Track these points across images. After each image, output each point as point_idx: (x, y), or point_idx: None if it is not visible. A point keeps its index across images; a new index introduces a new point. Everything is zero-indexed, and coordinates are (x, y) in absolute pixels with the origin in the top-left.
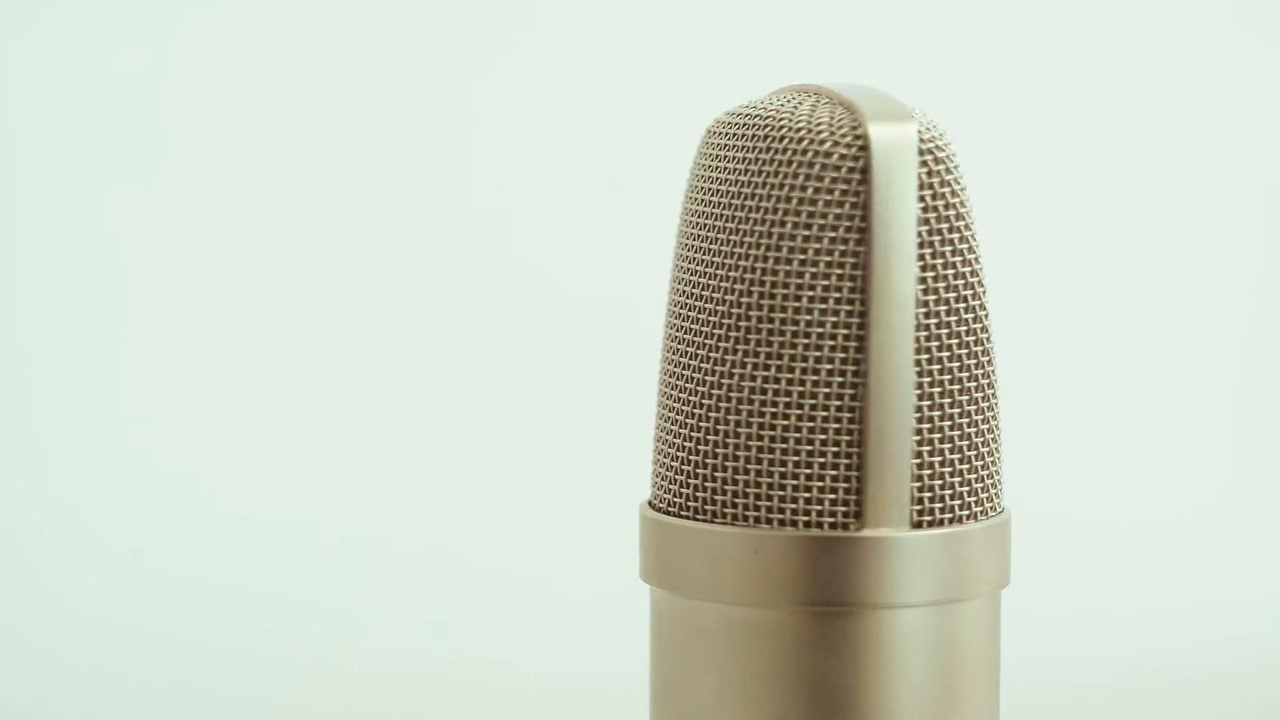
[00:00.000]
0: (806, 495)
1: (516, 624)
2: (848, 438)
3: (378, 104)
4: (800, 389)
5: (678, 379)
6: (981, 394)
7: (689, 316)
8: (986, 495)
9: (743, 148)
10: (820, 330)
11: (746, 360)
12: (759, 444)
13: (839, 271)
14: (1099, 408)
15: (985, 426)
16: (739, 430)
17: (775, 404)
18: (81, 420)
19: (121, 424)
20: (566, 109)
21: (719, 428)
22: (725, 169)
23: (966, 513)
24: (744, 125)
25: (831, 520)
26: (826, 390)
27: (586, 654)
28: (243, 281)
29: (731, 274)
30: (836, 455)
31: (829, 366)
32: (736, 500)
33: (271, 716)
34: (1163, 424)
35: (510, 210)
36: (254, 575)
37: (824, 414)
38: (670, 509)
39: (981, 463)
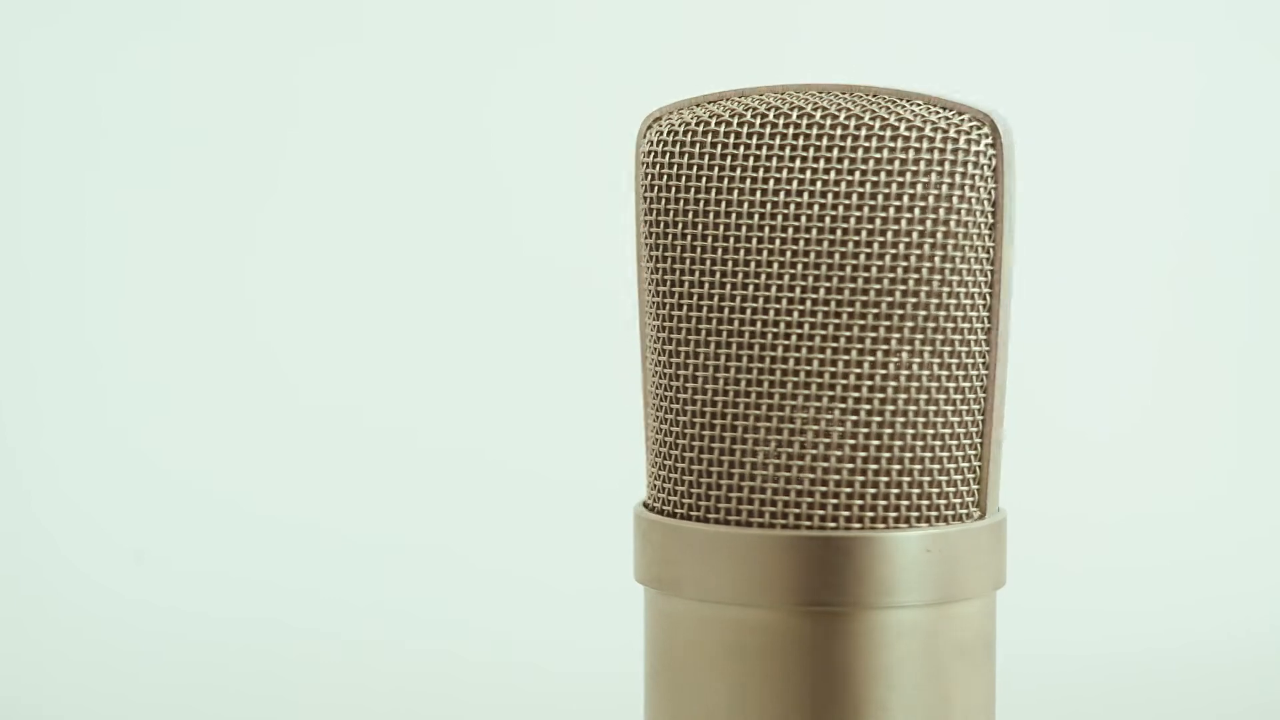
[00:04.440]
0: (965, 488)
1: (516, 623)
2: (975, 429)
3: (381, 105)
4: (944, 384)
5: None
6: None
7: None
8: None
9: (840, 148)
10: (965, 324)
11: (892, 354)
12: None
13: (977, 266)
14: (1095, 405)
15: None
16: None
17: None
18: (88, 419)
19: (127, 422)
20: (568, 109)
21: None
22: (797, 168)
23: (965, 512)
24: (813, 124)
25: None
26: (967, 383)
27: (584, 653)
28: (249, 280)
29: (855, 273)
30: (970, 445)
31: (970, 360)
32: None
33: (275, 713)
34: (1160, 421)
35: (511, 210)
36: (256, 573)
37: (966, 406)
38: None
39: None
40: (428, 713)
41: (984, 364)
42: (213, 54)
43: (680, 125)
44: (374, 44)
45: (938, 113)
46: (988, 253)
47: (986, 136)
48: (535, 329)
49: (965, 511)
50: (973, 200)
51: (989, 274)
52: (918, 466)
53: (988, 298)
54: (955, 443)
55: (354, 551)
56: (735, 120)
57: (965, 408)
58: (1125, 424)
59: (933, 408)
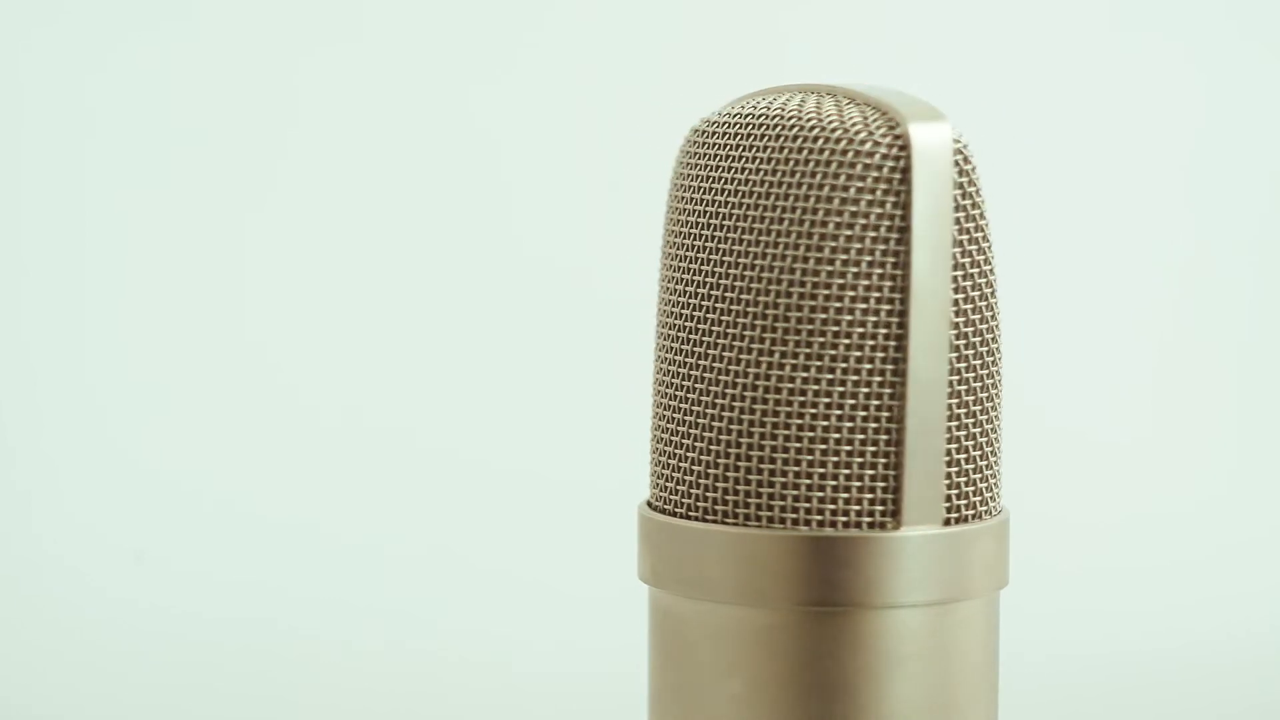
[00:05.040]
0: (870, 495)
1: (516, 623)
2: (886, 436)
3: (381, 105)
4: (833, 388)
5: (682, 379)
6: (986, 393)
7: (696, 318)
8: (986, 495)
9: (762, 148)
10: (861, 330)
11: (771, 360)
12: (770, 444)
13: (880, 270)
14: (1094, 406)
15: (989, 426)
16: (749, 430)
17: (790, 404)
18: (86, 419)
19: (126, 423)
20: (571, 109)
21: (728, 428)
22: (736, 169)
23: (971, 512)
24: (756, 125)
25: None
26: (867, 390)
27: (584, 653)
28: (248, 280)
29: (763, 274)
30: (875, 454)
31: (868, 366)
32: (736, 500)
33: (275, 713)
34: (1160, 421)
35: (512, 209)
36: (256, 574)
37: (866, 413)
38: (670, 509)
39: (985, 462)
40: (428, 713)
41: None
42: (212, 54)
43: (694, 129)
44: (374, 44)
45: (859, 115)
46: (894, 257)
47: (891, 139)
48: (535, 329)
49: (970, 512)
50: (865, 203)
51: (895, 279)
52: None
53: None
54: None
55: (353, 552)
56: (720, 123)
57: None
58: (1125, 424)
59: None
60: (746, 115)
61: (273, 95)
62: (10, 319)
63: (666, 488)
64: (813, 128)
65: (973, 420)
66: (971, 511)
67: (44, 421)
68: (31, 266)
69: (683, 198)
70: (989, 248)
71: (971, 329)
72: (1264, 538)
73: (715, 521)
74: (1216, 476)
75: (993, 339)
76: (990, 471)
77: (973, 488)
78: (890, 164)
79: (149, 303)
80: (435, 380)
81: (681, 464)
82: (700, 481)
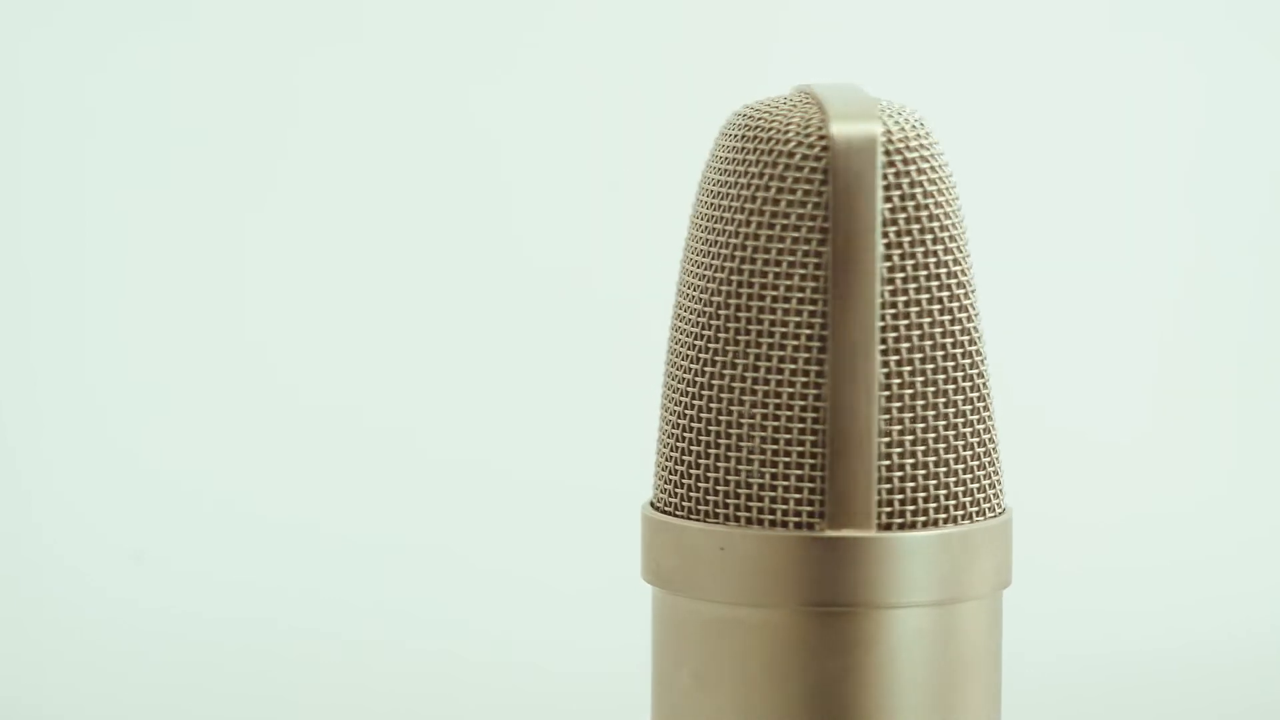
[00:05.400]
0: (797, 495)
1: (516, 623)
2: (813, 437)
3: (382, 105)
4: (768, 389)
5: (675, 379)
6: (975, 392)
7: (683, 317)
8: (986, 494)
9: (730, 148)
10: (784, 330)
11: (725, 360)
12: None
13: (802, 271)
14: (1094, 406)
15: (980, 425)
16: (730, 429)
17: (756, 403)
18: (86, 419)
19: (125, 423)
20: (571, 109)
21: (710, 426)
22: (716, 169)
23: (975, 510)
24: (734, 125)
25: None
26: (791, 390)
27: (584, 653)
28: (248, 280)
29: (716, 275)
30: (802, 455)
31: (792, 366)
32: (739, 499)
33: (275, 713)
34: (1160, 421)
35: (514, 210)
36: (256, 574)
37: (791, 414)
38: (671, 508)
39: (978, 462)
40: (428, 714)
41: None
42: (212, 53)
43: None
44: (374, 44)
45: (802, 116)
46: (818, 257)
47: (815, 139)
48: (535, 329)
49: (974, 510)
50: (785, 204)
51: (818, 279)
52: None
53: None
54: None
55: (354, 552)
56: (727, 121)
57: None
58: (1125, 424)
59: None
60: (739, 115)
61: (273, 95)
62: (10, 319)
63: (669, 487)
64: (755, 127)
65: (952, 420)
66: (975, 509)
67: (44, 421)
68: (31, 266)
69: (698, 199)
70: (949, 248)
71: (921, 330)
72: (1264, 538)
73: (718, 522)
74: (1216, 476)
75: (960, 339)
76: (984, 471)
77: (963, 487)
78: (811, 164)
79: (149, 303)
80: (435, 380)
81: (683, 462)
82: (701, 482)
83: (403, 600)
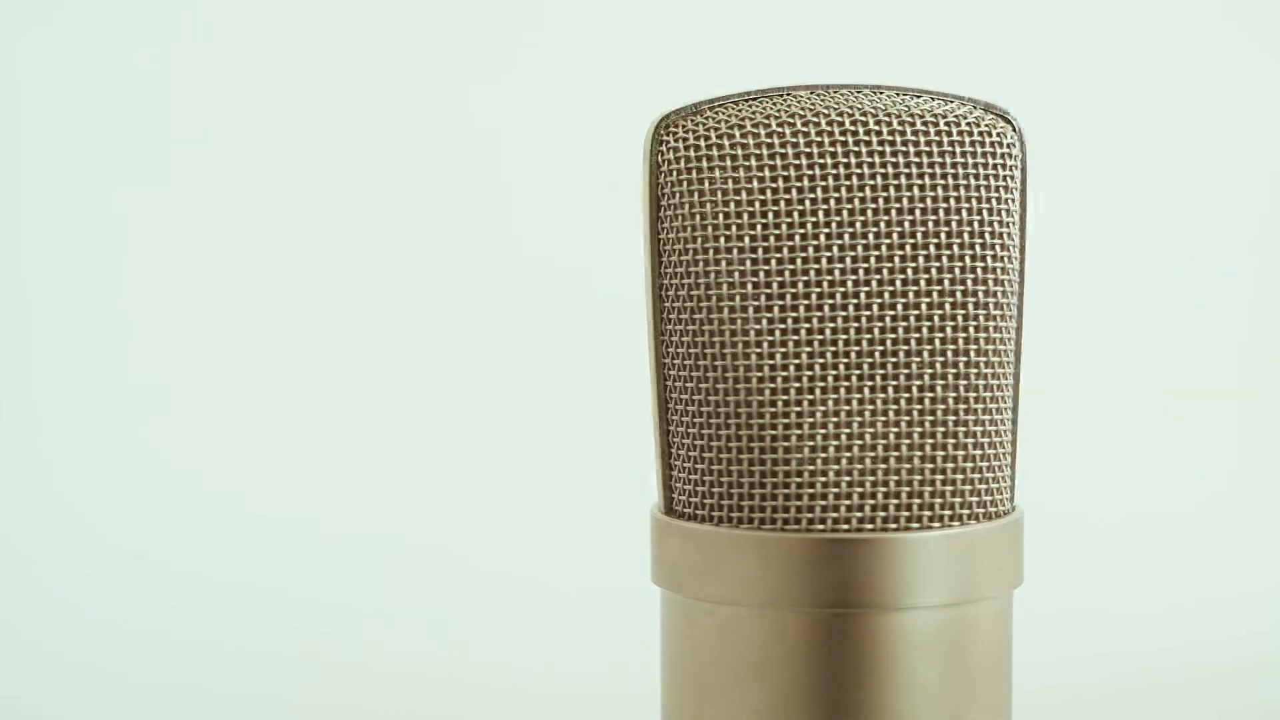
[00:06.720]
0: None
1: (517, 624)
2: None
3: (381, 105)
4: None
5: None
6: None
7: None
8: (999, 494)
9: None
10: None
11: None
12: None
13: (1008, 262)
14: (1094, 406)
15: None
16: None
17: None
18: (87, 419)
19: (126, 423)
20: (569, 109)
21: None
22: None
23: (983, 511)
24: (863, 122)
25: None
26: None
27: (585, 654)
28: (248, 280)
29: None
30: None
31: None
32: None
33: (275, 713)
34: (1161, 421)
35: (515, 210)
36: (256, 574)
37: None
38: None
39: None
40: (429, 714)
41: (1012, 360)
42: (212, 54)
43: (706, 130)
44: (374, 44)
45: (960, 107)
46: (1017, 247)
47: (1013, 130)
48: (535, 329)
49: (983, 511)
50: (1002, 193)
51: (1017, 268)
52: (933, 467)
53: (1016, 294)
54: (973, 440)
55: (354, 552)
56: (771, 124)
57: (990, 406)
58: (1126, 424)
59: (963, 406)
60: (808, 118)
61: (273, 96)
62: (11, 319)
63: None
64: (946, 123)
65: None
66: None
67: (44, 421)
68: (32, 266)
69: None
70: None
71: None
72: (1265, 538)
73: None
74: (1216, 476)
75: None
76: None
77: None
78: (1015, 155)
79: (149, 303)
80: (435, 380)
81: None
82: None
83: (402, 601)
